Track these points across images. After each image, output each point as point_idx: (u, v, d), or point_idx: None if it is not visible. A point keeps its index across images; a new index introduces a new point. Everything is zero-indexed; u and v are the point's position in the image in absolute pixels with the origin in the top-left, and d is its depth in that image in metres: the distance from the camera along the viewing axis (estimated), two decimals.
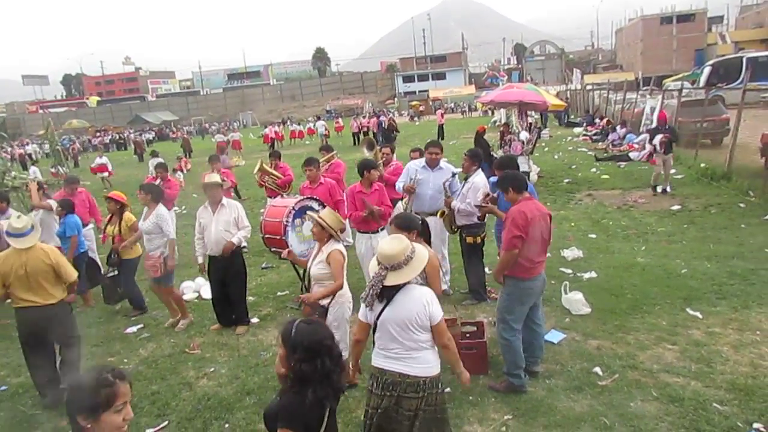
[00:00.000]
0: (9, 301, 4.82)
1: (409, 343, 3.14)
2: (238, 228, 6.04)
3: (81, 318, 6.99)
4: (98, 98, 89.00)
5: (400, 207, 6.82)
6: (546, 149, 19.69)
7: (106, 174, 19.72)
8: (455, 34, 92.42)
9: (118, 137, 51.18)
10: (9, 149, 29.94)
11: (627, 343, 5.09)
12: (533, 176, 12.67)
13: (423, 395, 3.13)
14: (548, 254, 7.43)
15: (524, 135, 12.35)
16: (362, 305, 3.29)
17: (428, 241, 4.28)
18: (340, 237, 4.57)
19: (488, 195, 5.63)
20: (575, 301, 5.88)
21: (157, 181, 8.66)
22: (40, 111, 79.10)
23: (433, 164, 6.39)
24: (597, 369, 4.66)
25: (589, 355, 4.94)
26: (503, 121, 17.22)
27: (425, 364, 3.16)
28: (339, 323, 4.46)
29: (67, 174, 12.78)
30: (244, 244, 6.40)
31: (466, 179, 6.26)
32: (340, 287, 4.40)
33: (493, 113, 34.86)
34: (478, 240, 6.19)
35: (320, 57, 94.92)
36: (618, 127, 19.49)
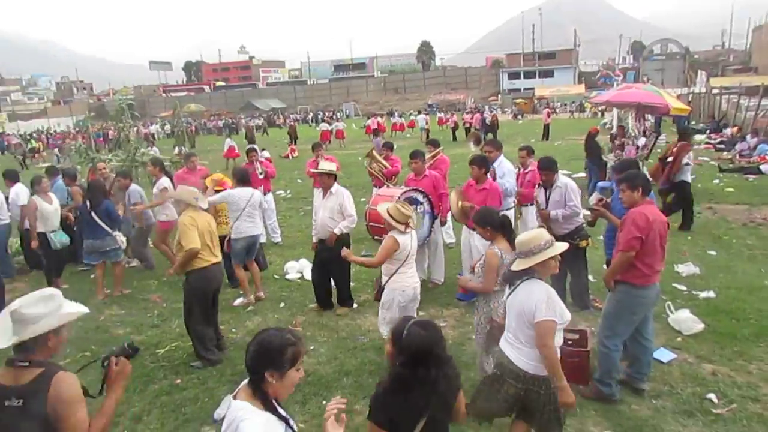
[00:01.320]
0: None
1: (520, 335, 3.24)
2: (343, 216, 6.18)
3: None
4: (223, 82, 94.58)
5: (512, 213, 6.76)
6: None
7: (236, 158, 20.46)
8: (567, 31, 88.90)
9: (230, 122, 54.21)
10: (136, 129, 32.64)
11: (748, 373, 4.69)
12: None
13: (522, 387, 3.19)
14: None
15: (641, 140, 11.65)
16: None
17: (507, 237, 4.17)
18: (401, 228, 4.66)
19: (602, 200, 5.39)
20: (684, 320, 5.51)
21: (255, 165, 9.06)
22: (163, 94, 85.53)
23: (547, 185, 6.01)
24: (711, 395, 4.34)
25: (703, 379, 4.61)
26: (615, 124, 16.35)
27: (528, 359, 3.20)
28: (389, 306, 4.78)
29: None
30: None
31: (543, 186, 5.99)
32: (375, 265, 4.81)
33: (603, 115, 33.21)
34: (589, 243, 5.94)
35: (425, 51, 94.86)
36: (748, 137, 17.83)
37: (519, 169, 7.19)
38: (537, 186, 6.15)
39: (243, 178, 6.85)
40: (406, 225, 4.69)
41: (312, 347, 5.54)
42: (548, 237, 3.25)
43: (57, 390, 2.28)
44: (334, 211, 6.17)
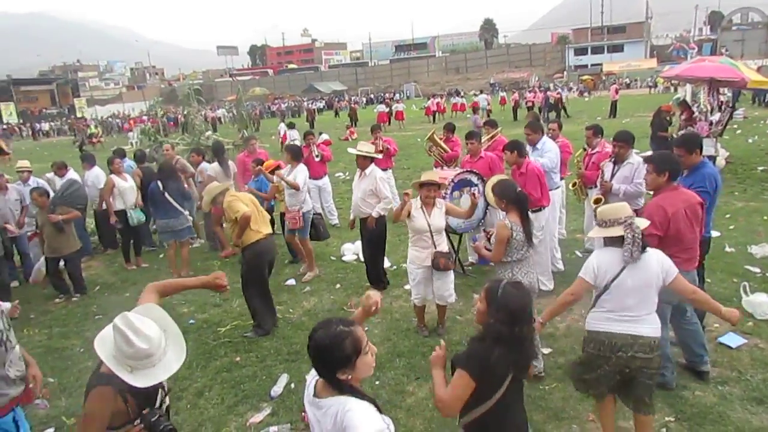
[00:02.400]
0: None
1: (644, 306, 3.29)
2: (377, 197, 6.31)
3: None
4: (293, 66, 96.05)
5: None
6: (738, 131, 17.31)
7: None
8: (639, 2, 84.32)
9: (293, 105, 55.12)
10: (203, 112, 33.74)
11: None
12: (720, 161, 11.25)
13: (652, 356, 3.25)
14: (731, 249, 6.75)
15: (716, 116, 10.96)
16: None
17: (520, 212, 4.26)
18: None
19: None
20: (760, 303, 5.20)
21: (312, 149, 9.20)
22: (230, 79, 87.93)
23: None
24: None
25: None
26: (689, 99, 15.46)
27: (655, 325, 3.31)
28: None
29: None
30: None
31: (614, 161, 5.76)
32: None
33: (676, 90, 31.46)
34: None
35: (488, 28, 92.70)
36: None
37: (585, 149, 6.95)
38: (607, 160, 5.90)
39: (296, 155, 7.14)
40: None
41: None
42: (624, 210, 3.33)
43: (88, 404, 2.36)
44: (366, 192, 6.35)
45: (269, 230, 5.70)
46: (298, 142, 12.48)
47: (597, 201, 5.64)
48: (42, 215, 6.99)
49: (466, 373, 2.42)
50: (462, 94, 43.22)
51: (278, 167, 7.42)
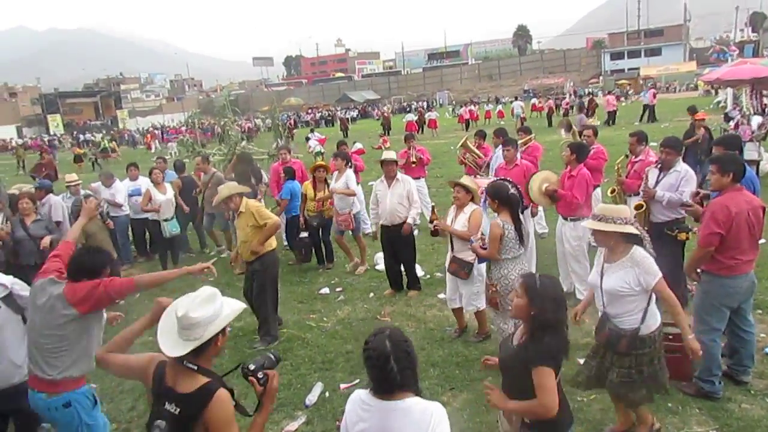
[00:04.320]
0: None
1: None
2: (409, 201, 6.48)
3: (288, 276, 7.92)
4: (342, 74, 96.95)
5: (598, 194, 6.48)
6: None
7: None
8: (677, 4, 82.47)
9: (327, 114, 55.70)
10: (239, 123, 34.35)
11: None
12: (764, 166, 10.89)
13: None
14: None
15: (756, 120, 10.63)
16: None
17: (512, 212, 4.50)
18: (479, 198, 5.25)
19: (698, 193, 4.94)
20: None
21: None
22: (265, 89, 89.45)
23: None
24: None
25: None
26: (730, 102, 15.03)
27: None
28: (482, 278, 4.99)
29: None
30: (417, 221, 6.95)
31: (659, 168, 5.54)
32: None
33: (717, 93, 30.57)
34: (689, 237, 5.42)
35: (521, 35, 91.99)
36: None
37: (628, 156, 6.75)
38: (654, 165, 5.68)
39: (347, 161, 8.05)
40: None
41: None
42: (623, 212, 3.40)
43: (216, 408, 2.21)
44: (403, 197, 6.51)
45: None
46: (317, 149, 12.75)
47: (638, 207, 5.48)
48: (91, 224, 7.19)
49: (548, 368, 2.52)
50: (495, 101, 42.91)
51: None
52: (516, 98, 38.71)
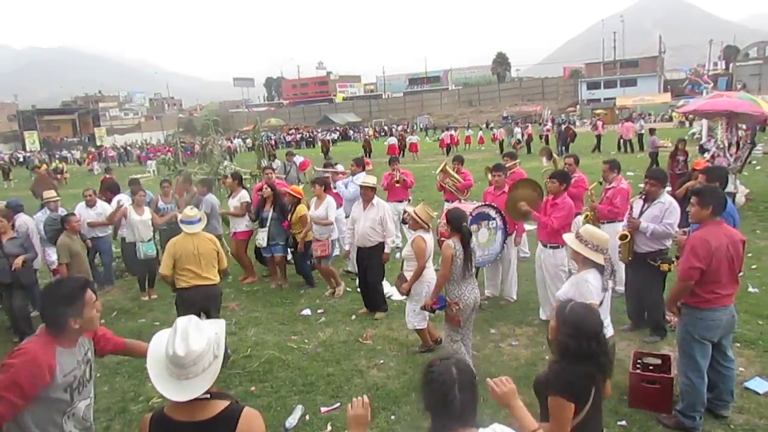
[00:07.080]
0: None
1: None
2: (382, 227, 6.65)
3: (270, 298, 7.83)
4: (344, 96, 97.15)
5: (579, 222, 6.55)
6: (758, 168, 17.20)
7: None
8: (651, 37, 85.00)
9: (308, 135, 55.77)
10: (221, 143, 34.13)
11: None
12: (740, 198, 11.16)
13: None
14: (754, 289, 6.63)
15: (732, 151, 10.94)
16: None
17: (462, 238, 4.81)
18: (429, 227, 5.50)
19: (686, 233, 5.01)
20: None
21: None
22: (246, 109, 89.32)
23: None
24: None
25: None
26: (704, 134, 15.45)
27: None
28: (419, 298, 5.36)
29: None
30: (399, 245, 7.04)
31: (644, 199, 5.65)
32: (422, 268, 5.36)
33: (692, 124, 31.44)
34: (671, 268, 5.45)
35: (500, 62, 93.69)
36: None
37: (602, 183, 6.91)
38: (638, 196, 5.81)
39: (326, 187, 8.00)
40: (428, 225, 5.50)
41: (381, 361, 5.58)
42: (602, 245, 3.70)
43: (248, 428, 2.07)
44: (376, 221, 6.66)
45: (207, 280, 5.44)
46: (280, 171, 12.48)
47: (623, 237, 5.57)
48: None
49: (564, 399, 2.48)
50: (491, 126, 43.04)
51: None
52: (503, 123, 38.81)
